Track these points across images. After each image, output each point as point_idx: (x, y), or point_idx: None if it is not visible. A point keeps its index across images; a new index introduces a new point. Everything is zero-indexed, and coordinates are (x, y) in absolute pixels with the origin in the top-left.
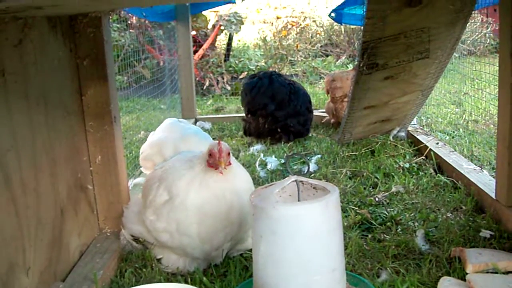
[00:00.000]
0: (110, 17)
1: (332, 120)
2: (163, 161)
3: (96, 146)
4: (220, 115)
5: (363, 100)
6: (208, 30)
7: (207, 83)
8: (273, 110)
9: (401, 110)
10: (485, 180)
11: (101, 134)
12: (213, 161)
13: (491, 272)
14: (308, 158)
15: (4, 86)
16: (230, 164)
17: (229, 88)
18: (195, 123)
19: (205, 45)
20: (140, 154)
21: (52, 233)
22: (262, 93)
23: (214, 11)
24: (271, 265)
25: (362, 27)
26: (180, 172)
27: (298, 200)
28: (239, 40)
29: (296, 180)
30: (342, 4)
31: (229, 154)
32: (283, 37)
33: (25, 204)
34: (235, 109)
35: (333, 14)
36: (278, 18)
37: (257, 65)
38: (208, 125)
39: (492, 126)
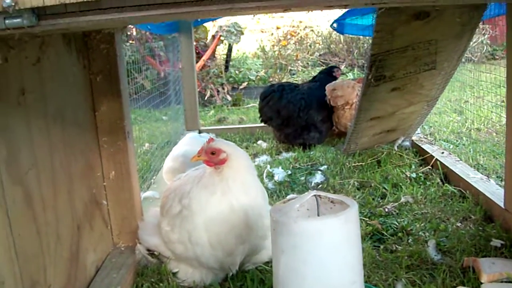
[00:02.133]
0: (122, 33)
1: (336, 130)
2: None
3: (109, 162)
4: (223, 126)
5: (370, 111)
6: (208, 41)
7: (208, 94)
8: (279, 124)
9: (406, 120)
10: (492, 189)
11: (114, 149)
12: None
13: (505, 282)
14: (314, 169)
15: (24, 104)
16: (216, 164)
17: (229, 98)
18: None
19: (206, 56)
20: (163, 167)
21: (70, 250)
22: (270, 106)
23: (214, 22)
24: (292, 279)
25: (361, 37)
26: (190, 183)
27: (318, 215)
28: (238, 50)
29: (315, 195)
30: (343, 14)
31: (213, 152)
32: (282, 46)
33: (45, 221)
34: (237, 119)
35: (335, 25)
36: (278, 28)
37: (257, 75)
38: (207, 136)
39: (494, 134)
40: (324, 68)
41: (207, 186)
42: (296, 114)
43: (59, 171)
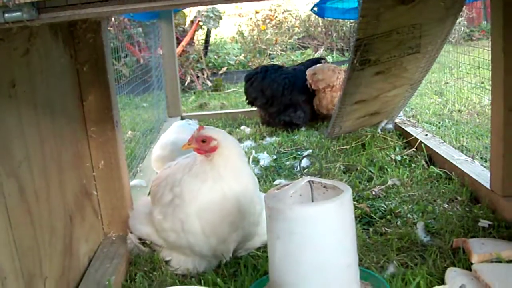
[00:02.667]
0: (108, 21)
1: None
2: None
3: (98, 152)
4: (205, 112)
5: (355, 95)
6: (186, 26)
7: (188, 80)
8: (264, 103)
9: (389, 103)
10: (478, 171)
11: (103, 139)
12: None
13: (495, 261)
14: (299, 153)
15: (15, 97)
16: (207, 151)
17: (210, 84)
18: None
19: (184, 42)
20: (152, 155)
21: (64, 241)
22: (254, 87)
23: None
24: (289, 264)
25: (340, 20)
26: (181, 171)
27: (312, 201)
28: (216, 35)
29: (309, 181)
30: None
31: (203, 140)
32: (261, 30)
33: (39, 213)
34: (219, 105)
35: (315, 9)
36: (256, 12)
37: (237, 60)
38: (195, 124)
39: (476, 115)
40: (312, 58)
41: (198, 174)
42: (280, 93)
43: (50, 163)
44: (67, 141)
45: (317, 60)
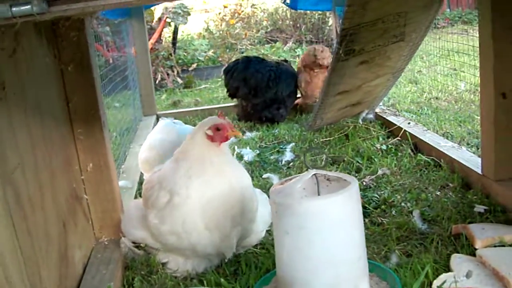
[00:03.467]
0: (92, 19)
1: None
2: (162, 162)
3: (86, 154)
4: (180, 110)
5: (338, 86)
6: (154, 23)
7: (159, 77)
8: (247, 93)
9: (371, 93)
10: (467, 157)
11: (91, 140)
12: (222, 134)
13: (499, 246)
14: (282, 147)
15: (5, 99)
16: (220, 141)
17: (180, 81)
18: (157, 119)
19: (153, 39)
20: (139, 157)
21: (59, 249)
22: (235, 77)
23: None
24: (299, 260)
25: (308, 12)
26: (174, 169)
27: (318, 194)
28: (182, 32)
29: (315, 174)
30: None
31: (218, 128)
32: (231, 25)
33: (35, 221)
34: (192, 102)
35: (288, 1)
36: (225, 7)
37: (206, 56)
38: (181, 123)
39: (453, 102)
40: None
41: (203, 168)
42: (265, 84)
43: (42, 168)
44: (57, 144)
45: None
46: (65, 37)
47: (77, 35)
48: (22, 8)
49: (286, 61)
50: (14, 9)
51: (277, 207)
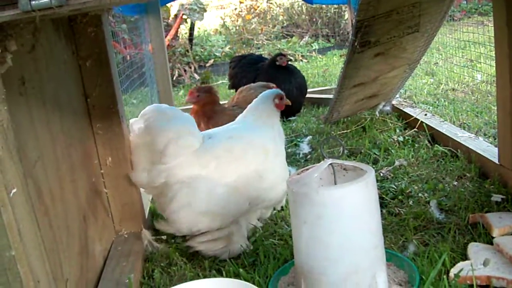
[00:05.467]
0: (108, 14)
1: None
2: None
3: (105, 148)
4: None
5: (354, 78)
6: (170, 20)
7: (176, 74)
8: None
9: (388, 85)
10: (483, 147)
11: (110, 135)
12: (282, 103)
13: None
14: (299, 140)
15: (25, 95)
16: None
17: (197, 77)
18: None
19: (170, 36)
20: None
21: (79, 241)
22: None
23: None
24: (317, 248)
25: (324, 6)
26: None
27: (335, 183)
28: (199, 28)
29: (332, 164)
30: None
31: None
32: (247, 21)
33: (55, 214)
34: None
35: None
36: (241, 2)
37: (223, 51)
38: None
39: (470, 93)
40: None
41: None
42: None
43: (62, 162)
44: (76, 139)
45: (274, 58)
46: (83, 33)
47: (94, 31)
48: (41, 1)
49: (280, 54)
50: (33, 2)
51: (294, 196)
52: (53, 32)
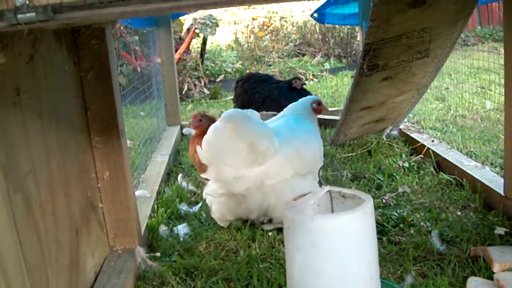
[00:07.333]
0: (112, 28)
1: None
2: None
3: (103, 162)
4: None
5: (361, 102)
6: (183, 34)
7: (185, 88)
8: None
9: (396, 109)
10: (489, 177)
11: (108, 149)
12: (320, 108)
13: None
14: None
15: (20, 105)
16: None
17: (207, 92)
18: (181, 129)
19: (181, 49)
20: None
21: (70, 256)
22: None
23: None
24: (309, 277)
25: (337, 26)
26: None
27: (332, 211)
28: (211, 43)
29: (329, 191)
30: (324, 4)
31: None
32: (259, 37)
33: (45, 228)
34: (217, 113)
35: (315, 15)
36: (254, 19)
37: (234, 67)
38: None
39: (479, 120)
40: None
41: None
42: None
43: (56, 175)
44: (72, 151)
45: (290, 81)
46: (86, 45)
47: (98, 43)
48: (27, 15)
49: (296, 78)
50: (19, 16)
51: (289, 222)
52: (55, 43)
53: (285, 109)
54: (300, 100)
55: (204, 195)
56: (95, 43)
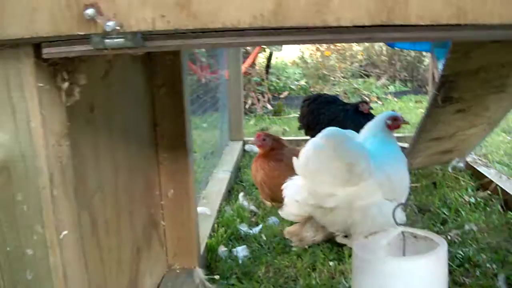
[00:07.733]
0: None
1: None
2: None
3: (169, 180)
4: None
5: (431, 132)
6: (250, 48)
7: (249, 102)
8: None
9: (465, 142)
10: None
11: (174, 166)
12: (396, 123)
13: None
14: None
15: (93, 122)
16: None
17: (270, 107)
18: (243, 145)
19: (247, 63)
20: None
21: (130, 275)
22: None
23: None
24: None
25: (405, 51)
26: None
27: (403, 253)
28: (276, 58)
29: (402, 232)
30: None
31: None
32: (326, 56)
33: (108, 247)
34: (280, 130)
35: None
36: None
37: (298, 85)
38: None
39: None
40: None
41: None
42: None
43: (122, 192)
44: (139, 169)
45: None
46: (160, 60)
47: (172, 59)
48: (116, 41)
49: (362, 102)
50: (107, 41)
51: (359, 261)
52: (130, 58)
53: (364, 129)
54: (374, 118)
55: (284, 194)
56: (170, 59)
